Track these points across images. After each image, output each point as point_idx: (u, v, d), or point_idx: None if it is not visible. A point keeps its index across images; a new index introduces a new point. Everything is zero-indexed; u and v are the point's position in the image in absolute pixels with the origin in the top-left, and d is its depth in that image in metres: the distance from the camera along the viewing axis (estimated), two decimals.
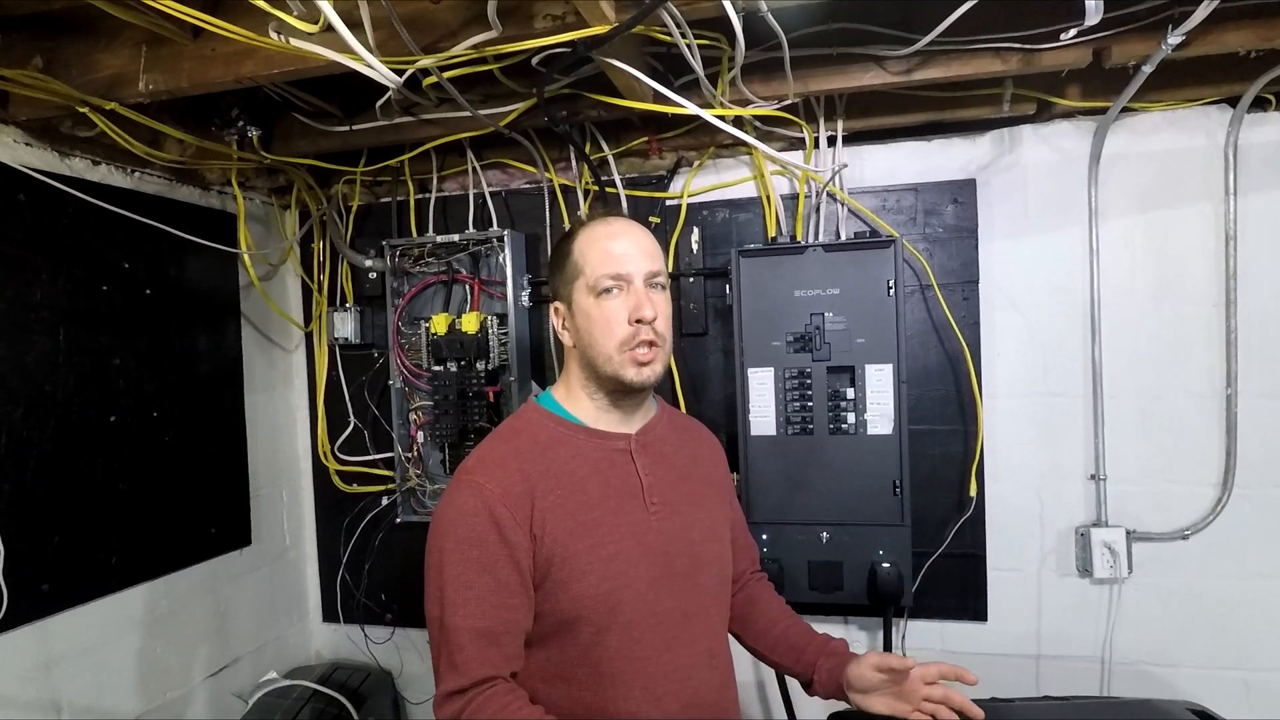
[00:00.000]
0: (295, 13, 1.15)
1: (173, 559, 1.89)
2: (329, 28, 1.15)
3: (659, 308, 1.11)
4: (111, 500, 1.74)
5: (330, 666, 2.25)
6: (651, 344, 1.10)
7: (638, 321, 1.09)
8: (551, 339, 2.09)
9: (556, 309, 1.19)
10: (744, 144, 1.69)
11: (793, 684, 1.91)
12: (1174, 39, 1.38)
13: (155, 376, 1.86)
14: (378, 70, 1.29)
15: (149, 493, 1.83)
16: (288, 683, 2.09)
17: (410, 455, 2.17)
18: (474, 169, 2.12)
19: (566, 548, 1.05)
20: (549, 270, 1.24)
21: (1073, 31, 1.37)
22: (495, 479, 1.05)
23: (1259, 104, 1.74)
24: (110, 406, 1.74)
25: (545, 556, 1.05)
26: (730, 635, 1.30)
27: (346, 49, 1.22)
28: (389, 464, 2.22)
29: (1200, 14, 1.28)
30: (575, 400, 1.17)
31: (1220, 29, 1.46)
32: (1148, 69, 1.49)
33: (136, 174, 1.86)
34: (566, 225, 2.10)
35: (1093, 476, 1.85)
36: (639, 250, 1.13)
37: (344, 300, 2.26)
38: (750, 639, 1.35)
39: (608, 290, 1.10)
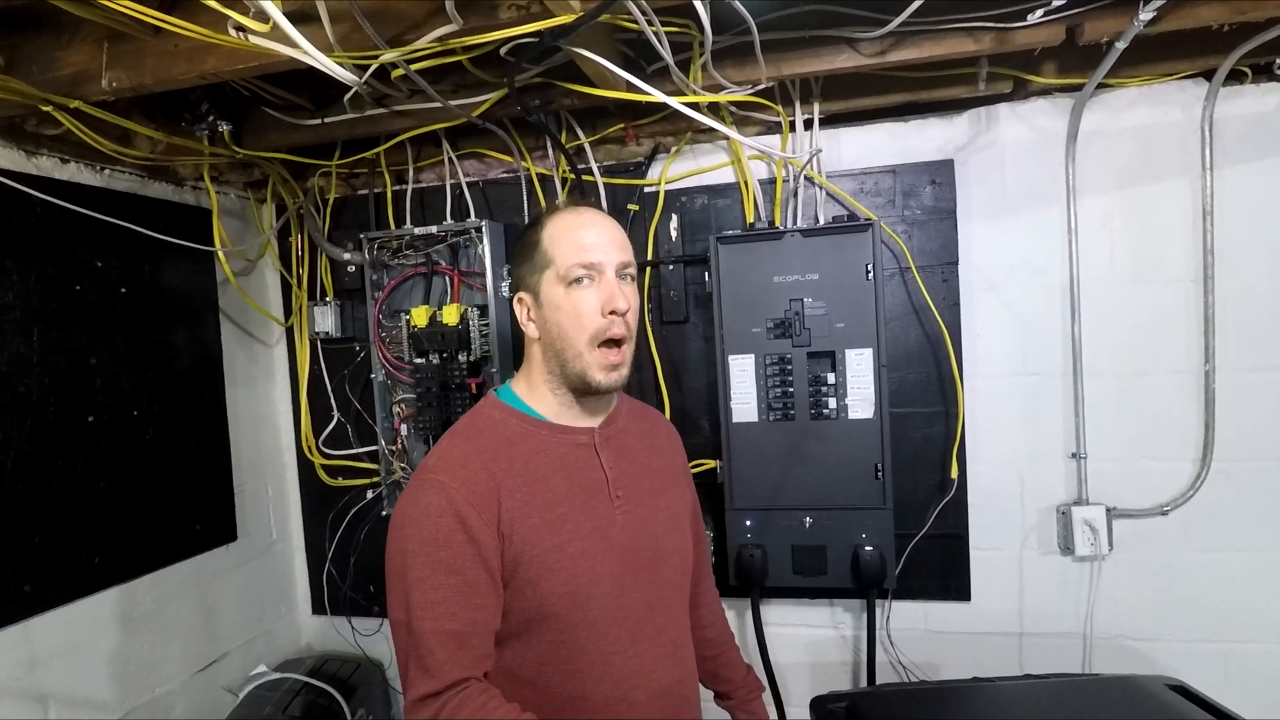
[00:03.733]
0: (251, 12, 1.13)
1: (157, 556, 1.90)
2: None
3: (630, 300, 1.11)
4: (92, 500, 1.74)
5: (320, 659, 2.26)
6: (620, 343, 1.10)
7: (611, 313, 1.08)
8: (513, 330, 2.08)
9: (521, 299, 1.15)
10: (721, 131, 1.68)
11: (781, 677, 1.94)
12: (1146, 14, 1.37)
13: (133, 375, 1.85)
14: (331, 68, 1.28)
15: (131, 491, 1.83)
16: (278, 675, 2.10)
17: (394, 448, 2.18)
18: (450, 160, 2.10)
19: (534, 545, 1.05)
20: (513, 259, 1.20)
21: (1040, 12, 1.35)
22: (459, 478, 1.03)
23: (1235, 77, 1.73)
24: (88, 406, 1.74)
25: (513, 555, 1.04)
26: None
27: (302, 50, 1.20)
28: (373, 457, 2.22)
29: None
30: (537, 395, 1.15)
31: (1192, 3, 1.45)
32: (1121, 45, 1.47)
33: (106, 171, 1.84)
34: None
35: (1073, 455, 1.86)
36: (610, 240, 1.11)
37: (324, 294, 2.25)
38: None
39: (578, 280, 1.08)
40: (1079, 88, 1.75)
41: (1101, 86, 1.74)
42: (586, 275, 1.08)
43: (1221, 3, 1.46)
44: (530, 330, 1.15)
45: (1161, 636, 1.85)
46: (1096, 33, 1.51)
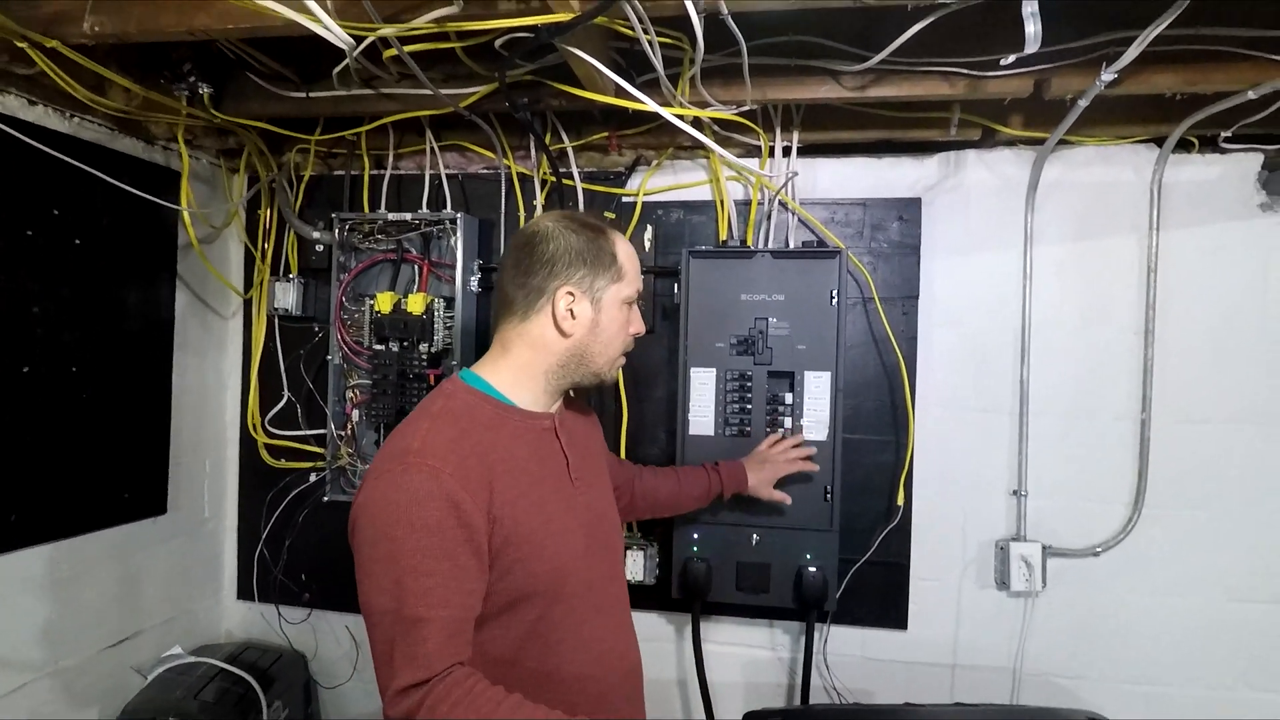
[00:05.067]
0: None
1: (80, 521, 1.81)
2: None
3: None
4: (18, 455, 1.65)
5: (241, 645, 2.17)
6: None
7: (634, 334, 1.26)
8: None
9: (573, 295, 1.16)
10: (702, 147, 1.72)
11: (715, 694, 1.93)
12: (1107, 76, 1.45)
13: (77, 329, 1.78)
14: (333, 31, 1.28)
15: (60, 450, 1.75)
16: (193, 659, 2.00)
17: (343, 434, 2.13)
18: (432, 149, 2.10)
19: (524, 526, 1.08)
20: (573, 259, 1.17)
21: (1012, 58, 1.43)
22: (450, 462, 1.02)
23: (1184, 145, 1.84)
24: (25, 357, 1.67)
25: (503, 537, 1.05)
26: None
27: (303, 8, 1.21)
28: (320, 441, 2.17)
29: (1131, 53, 1.35)
30: (517, 385, 1.18)
31: (1150, 70, 1.55)
32: (1083, 103, 1.56)
33: (76, 119, 1.79)
34: (522, 212, 2.10)
35: (1015, 492, 1.92)
36: None
37: (287, 270, 2.21)
38: (661, 509, 1.67)
39: (630, 304, 1.24)
40: (1042, 141, 1.84)
41: (1063, 143, 1.84)
42: (635, 301, 1.25)
43: (1175, 73, 1.56)
44: (568, 325, 1.16)
45: (1088, 675, 1.90)
46: (1062, 89, 1.60)
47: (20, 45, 1.46)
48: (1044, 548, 1.88)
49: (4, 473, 1.63)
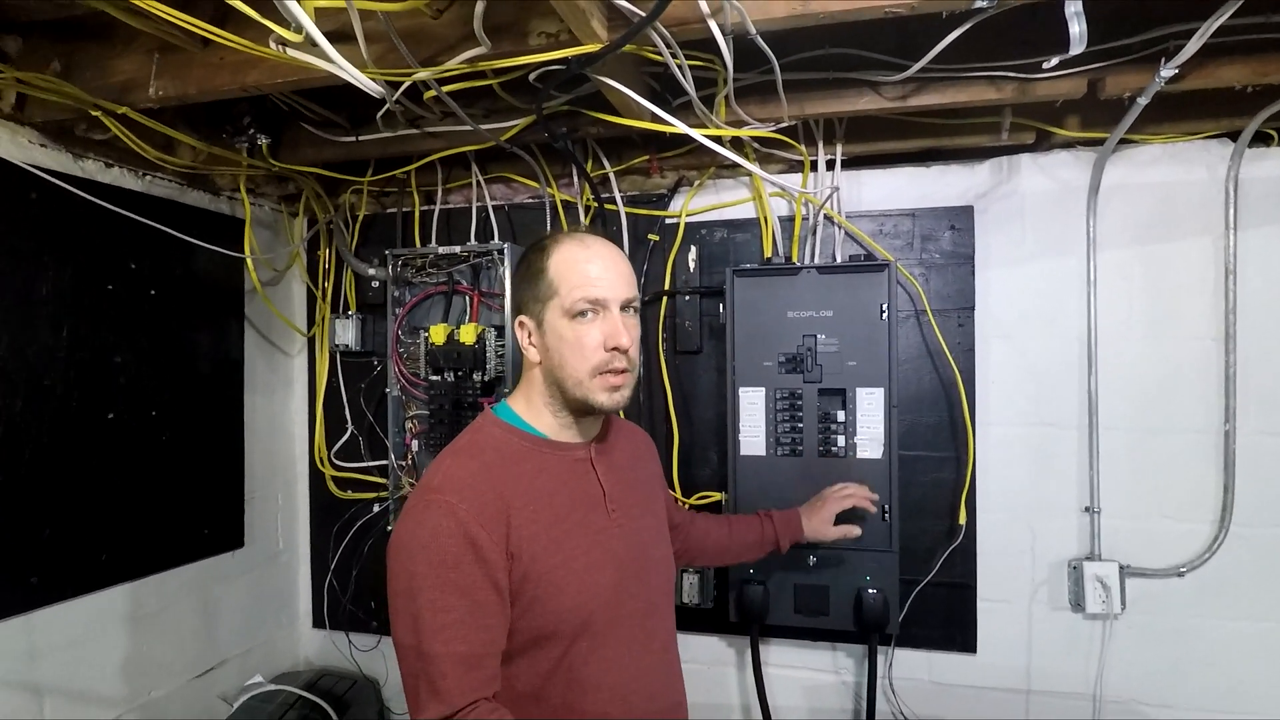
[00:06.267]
0: (293, 27, 1.19)
1: (164, 558, 1.91)
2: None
3: (632, 335, 1.12)
4: (105, 496, 1.76)
5: (317, 673, 2.25)
6: (624, 370, 1.11)
7: (613, 349, 1.09)
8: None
9: (523, 323, 1.16)
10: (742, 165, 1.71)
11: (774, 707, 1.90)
12: (1166, 72, 1.38)
13: (156, 375, 1.89)
14: (360, 80, 1.32)
15: (143, 490, 1.85)
16: (273, 687, 2.09)
17: (404, 464, 2.19)
18: (478, 182, 2.15)
19: (541, 563, 1.05)
20: (515, 282, 1.20)
21: (1055, 60, 1.37)
22: (467, 498, 1.03)
23: (1260, 139, 1.73)
24: (109, 403, 1.78)
25: (521, 573, 1.04)
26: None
27: (336, 62, 1.25)
28: (382, 471, 2.24)
29: (1191, 48, 1.28)
30: (536, 414, 1.17)
31: (1215, 63, 1.47)
32: (1143, 101, 1.48)
33: (148, 177, 1.91)
34: None
35: (1086, 509, 1.83)
36: (616, 276, 1.12)
37: (346, 308, 2.30)
38: (713, 557, 1.57)
39: (583, 314, 1.09)
40: (1101, 142, 1.76)
41: (1125, 142, 1.76)
42: (591, 309, 1.09)
43: (1243, 65, 1.47)
44: (531, 355, 1.16)
45: (1174, 704, 1.79)
46: (1118, 87, 1.53)
47: (95, 113, 1.57)
48: (1121, 567, 1.79)
49: (94, 515, 1.74)
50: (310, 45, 1.19)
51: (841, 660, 1.99)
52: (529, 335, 1.16)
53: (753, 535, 1.55)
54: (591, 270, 1.10)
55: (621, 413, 1.26)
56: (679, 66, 1.40)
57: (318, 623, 2.36)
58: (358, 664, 2.29)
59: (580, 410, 1.14)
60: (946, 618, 1.91)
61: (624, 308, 1.12)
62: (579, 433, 1.18)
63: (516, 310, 1.18)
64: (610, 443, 1.24)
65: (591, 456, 1.18)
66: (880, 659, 1.89)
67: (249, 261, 2.12)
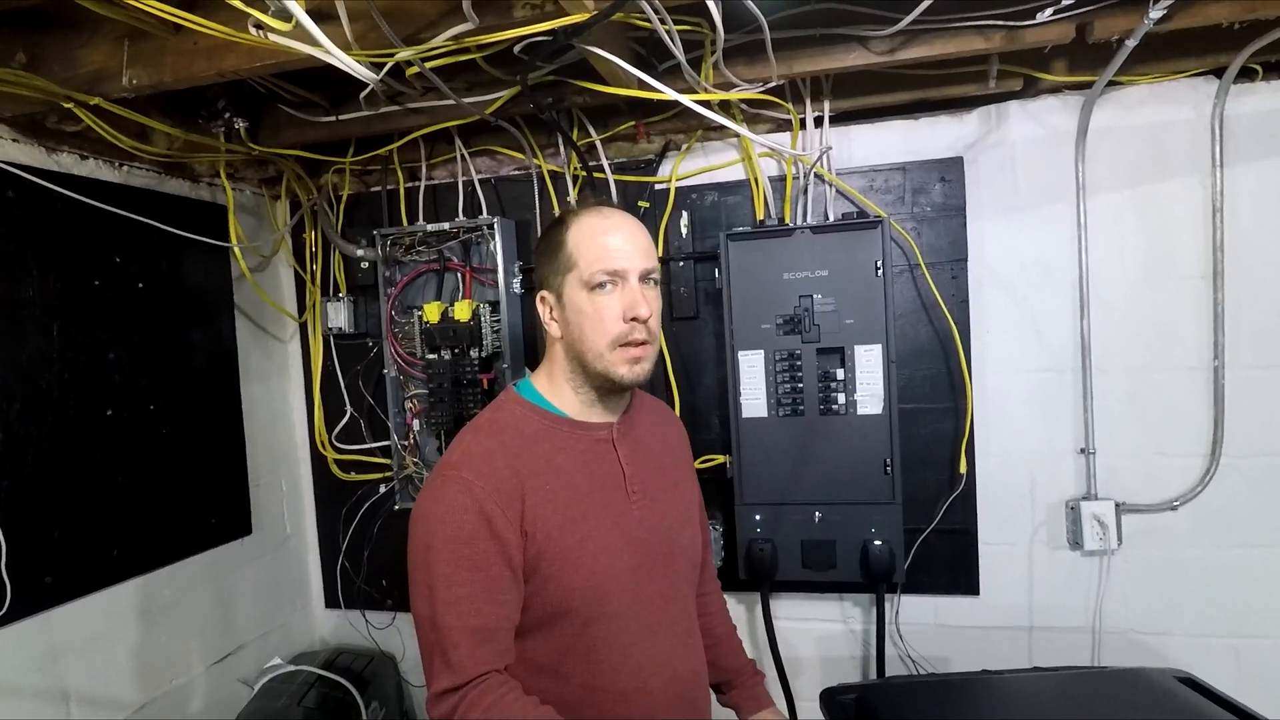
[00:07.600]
0: (271, 10, 1.15)
1: (173, 549, 1.92)
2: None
3: (653, 305, 1.11)
4: (111, 493, 1.76)
5: (334, 651, 2.29)
6: (644, 342, 1.11)
7: (633, 319, 1.08)
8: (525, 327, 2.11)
9: (544, 298, 1.16)
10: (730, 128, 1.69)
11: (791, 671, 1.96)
12: (1156, 12, 1.37)
13: (150, 370, 1.87)
14: (350, 65, 1.29)
15: (148, 485, 1.85)
16: (292, 668, 2.12)
17: (406, 443, 2.20)
18: (463, 156, 2.12)
19: (556, 543, 1.06)
20: (536, 257, 1.20)
21: (1049, 11, 1.36)
22: (484, 475, 1.04)
23: (1245, 74, 1.73)
24: (106, 401, 1.76)
25: (536, 551, 1.05)
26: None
27: (318, 44, 1.22)
28: (386, 452, 2.25)
29: None
30: (558, 391, 1.16)
31: (1203, 1, 1.46)
32: (1131, 43, 1.48)
33: (125, 168, 1.86)
34: (556, 211, 2.10)
35: (1082, 450, 1.87)
36: (635, 247, 1.11)
37: (337, 290, 2.27)
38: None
39: (601, 286, 1.09)
40: (1089, 85, 1.75)
41: (1112, 84, 1.75)
42: (610, 281, 1.09)
43: (1232, 0, 1.46)
44: (553, 330, 1.15)
45: (1171, 630, 1.86)
46: (1106, 31, 1.52)
47: (66, 105, 1.52)
48: (1117, 505, 1.84)
49: (102, 512, 1.73)
50: (298, 29, 1.15)
51: (849, 610, 2.05)
52: (550, 310, 1.15)
53: (724, 660, 1.39)
54: (610, 242, 1.10)
55: None
56: (667, 31, 1.38)
57: (331, 603, 2.39)
58: (375, 641, 2.32)
59: (603, 386, 1.14)
60: (950, 563, 1.96)
61: (643, 279, 1.11)
62: (602, 411, 1.17)
63: (538, 286, 1.18)
64: (635, 422, 1.23)
65: (614, 437, 1.17)
66: (887, 606, 1.95)
67: (235, 249, 2.08)
